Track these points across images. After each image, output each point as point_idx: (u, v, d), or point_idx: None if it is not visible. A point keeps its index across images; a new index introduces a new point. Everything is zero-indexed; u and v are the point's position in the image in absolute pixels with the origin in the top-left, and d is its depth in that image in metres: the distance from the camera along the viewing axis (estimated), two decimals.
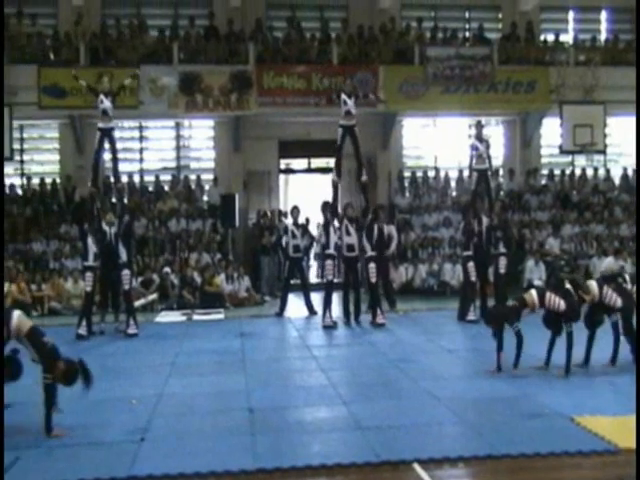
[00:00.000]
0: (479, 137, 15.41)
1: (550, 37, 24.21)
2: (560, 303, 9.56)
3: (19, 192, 22.11)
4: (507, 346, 9.76)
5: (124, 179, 21.36)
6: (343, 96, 15.04)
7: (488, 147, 15.38)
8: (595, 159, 23.70)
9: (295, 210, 16.74)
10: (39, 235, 20.10)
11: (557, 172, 24.07)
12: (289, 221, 17.17)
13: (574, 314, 9.66)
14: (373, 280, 14.76)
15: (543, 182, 23.79)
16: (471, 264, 14.74)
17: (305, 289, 16.42)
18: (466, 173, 17.87)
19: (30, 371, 7.68)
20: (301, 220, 17.22)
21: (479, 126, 15.66)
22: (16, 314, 7.63)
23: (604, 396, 8.66)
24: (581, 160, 23.77)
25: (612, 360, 10.11)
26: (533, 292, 9.82)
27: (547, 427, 7.50)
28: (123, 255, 14.20)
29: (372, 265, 14.76)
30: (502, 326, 9.66)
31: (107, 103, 14.57)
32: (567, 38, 24.55)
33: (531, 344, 9.87)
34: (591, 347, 10.03)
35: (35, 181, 22.42)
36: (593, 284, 10.08)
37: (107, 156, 15.90)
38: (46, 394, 7.46)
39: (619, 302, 9.87)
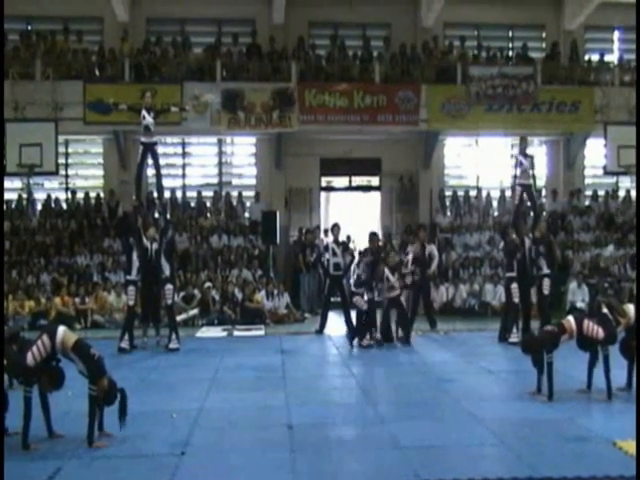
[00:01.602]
0: (523, 152, 15.33)
1: (595, 57, 24.10)
2: (599, 331, 9.35)
3: (64, 206, 22.45)
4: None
5: (167, 195, 21.65)
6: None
7: (533, 163, 15.30)
8: None
9: (336, 228, 16.67)
10: (83, 249, 20.39)
11: (601, 193, 23.81)
12: (330, 239, 17.15)
13: (612, 339, 9.50)
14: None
15: (587, 203, 23.55)
16: (514, 285, 14.55)
17: (345, 307, 16.36)
18: (509, 192, 17.68)
19: (75, 381, 7.77)
20: (342, 238, 17.16)
21: (524, 141, 15.58)
22: (61, 329, 7.75)
23: None
24: (625, 181, 23.47)
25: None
26: (571, 319, 9.59)
27: (589, 451, 7.38)
28: (166, 270, 14.29)
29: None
30: (541, 354, 9.49)
31: (149, 119, 14.73)
32: (612, 58, 24.37)
33: (573, 366, 9.74)
34: (632, 370, 9.80)
35: (79, 195, 22.77)
36: (630, 307, 9.87)
37: (150, 172, 16.04)
38: (90, 406, 7.54)
39: None
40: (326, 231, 21.67)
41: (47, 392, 7.72)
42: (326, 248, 16.60)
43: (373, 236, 15.63)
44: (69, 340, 7.67)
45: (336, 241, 16.50)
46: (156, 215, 16.07)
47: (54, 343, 7.60)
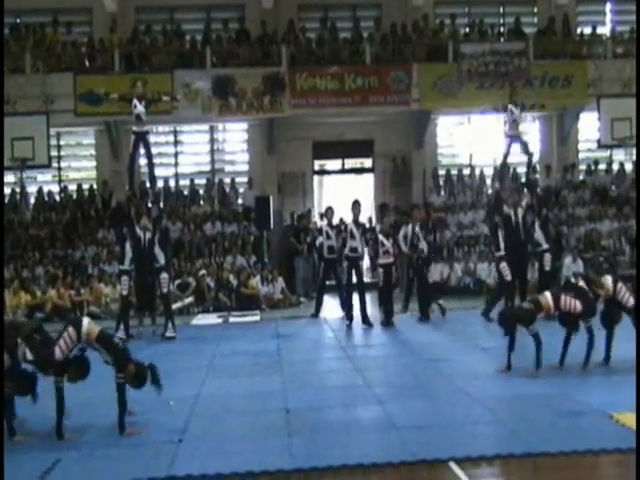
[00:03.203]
0: (514, 102, 15.37)
1: (587, 30, 23.95)
2: (576, 305, 9.41)
3: (57, 199, 22.42)
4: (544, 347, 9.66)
5: (159, 184, 21.60)
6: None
7: (523, 112, 15.36)
8: (634, 153, 23.34)
9: (329, 211, 16.57)
10: (77, 241, 20.34)
11: (595, 167, 23.76)
12: (324, 222, 17.08)
13: (591, 312, 9.52)
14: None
15: (581, 178, 23.52)
16: (503, 264, 14.45)
17: (340, 290, 16.35)
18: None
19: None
20: (335, 221, 17.07)
21: (515, 93, 15.61)
22: (86, 321, 7.89)
23: None
24: (619, 154, 23.41)
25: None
26: (548, 295, 9.62)
27: (585, 425, 7.42)
28: (161, 259, 14.28)
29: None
30: (514, 329, 9.52)
31: (140, 108, 14.70)
32: (604, 30, 24.21)
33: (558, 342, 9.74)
34: (611, 344, 9.83)
35: (72, 187, 22.72)
36: (608, 279, 9.86)
37: (143, 161, 16.01)
38: (120, 394, 7.62)
39: (631, 301, 9.66)
40: (321, 215, 21.68)
41: (73, 382, 7.82)
42: (320, 231, 16.55)
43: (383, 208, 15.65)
44: (93, 331, 7.78)
45: (330, 224, 16.32)
46: (149, 204, 16.02)
47: (79, 334, 7.70)
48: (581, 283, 9.75)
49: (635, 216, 19.68)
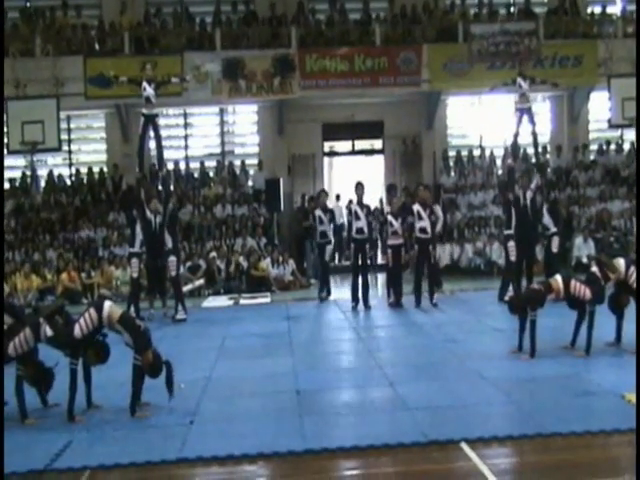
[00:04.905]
0: (522, 75, 15.39)
1: (597, 9, 23.75)
2: (586, 292, 9.36)
3: (67, 182, 22.44)
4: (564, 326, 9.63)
5: (170, 166, 21.63)
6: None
7: (532, 85, 15.37)
8: None
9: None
10: (88, 224, 20.39)
11: (606, 147, 23.61)
12: (339, 203, 16.60)
13: (599, 299, 9.48)
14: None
15: (592, 158, 23.40)
16: (511, 244, 14.38)
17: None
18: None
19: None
20: (344, 202, 16.79)
21: (523, 65, 15.61)
22: (107, 304, 7.90)
23: None
24: (630, 134, 23.24)
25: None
26: (559, 278, 9.57)
27: (598, 405, 7.43)
28: (169, 242, 14.29)
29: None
30: (526, 312, 9.49)
31: (150, 90, 14.66)
32: (614, 10, 23.96)
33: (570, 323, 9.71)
34: (621, 326, 9.78)
35: (83, 170, 22.75)
36: (620, 262, 9.72)
37: (153, 144, 15.98)
38: (135, 375, 7.69)
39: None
40: (337, 196, 21.61)
41: (92, 365, 7.92)
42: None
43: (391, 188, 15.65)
44: (115, 313, 7.82)
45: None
46: (159, 187, 16.00)
47: (101, 316, 7.74)
48: (594, 268, 9.66)
49: (636, 210, 19.59)
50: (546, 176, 16.36)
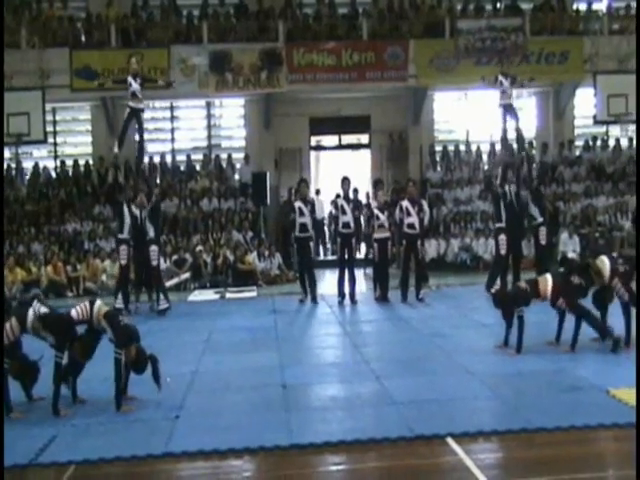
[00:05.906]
0: (504, 73, 15.50)
1: (583, 6, 23.76)
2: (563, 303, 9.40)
3: (53, 174, 22.33)
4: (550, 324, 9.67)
5: (156, 159, 21.61)
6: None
7: (513, 82, 15.51)
8: (630, 129, 23.24)
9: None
10: (73, 216, 20.29)
11: (592, 143, 23.71)
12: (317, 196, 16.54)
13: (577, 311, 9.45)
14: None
15: (577, 154, 23.48)
16: (502, 237, 14.45)
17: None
18: (499, 145, 17.60)
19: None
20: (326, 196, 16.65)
21: (504, 64, 15.86)
22: (99, 302, 8.05)
23: None
24: (615, 130, 23.36)
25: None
26: (549, 281, 9.48)
27: (583, 400, 7.45)
28: (151, 232, 14.23)
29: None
30: (510, 310, 9.50)
31: (135, 85, 14.61)
32: (600, 6, 24.02)
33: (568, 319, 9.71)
34: (605, 322, 9.70)
35: (69, 163, 22.62)
36: (606, 266, 9.50)
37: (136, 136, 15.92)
38: (116, 370, 7.66)
39: (626, 297, 9.42)
40: (317, 191, 21.61)
41: (80, 360, 7.90)
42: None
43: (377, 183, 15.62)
44: (102, 310, 7.89)
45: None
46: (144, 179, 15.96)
47: (92, 311, 7.81)
48: (576, 281, 9.51)
49: (635, 211, 19.70)
50: (531, 168, 16.35)
